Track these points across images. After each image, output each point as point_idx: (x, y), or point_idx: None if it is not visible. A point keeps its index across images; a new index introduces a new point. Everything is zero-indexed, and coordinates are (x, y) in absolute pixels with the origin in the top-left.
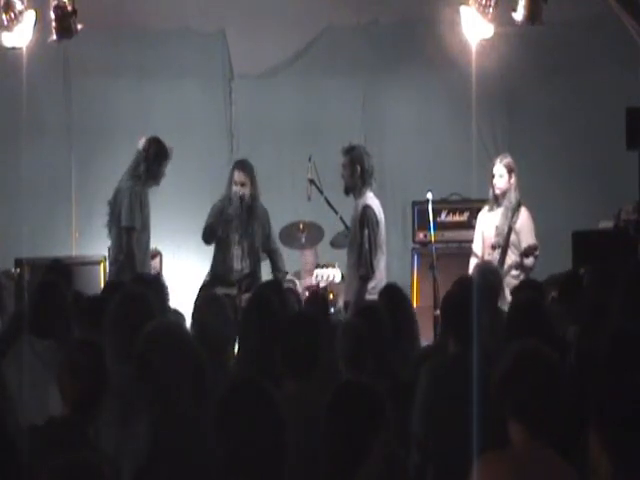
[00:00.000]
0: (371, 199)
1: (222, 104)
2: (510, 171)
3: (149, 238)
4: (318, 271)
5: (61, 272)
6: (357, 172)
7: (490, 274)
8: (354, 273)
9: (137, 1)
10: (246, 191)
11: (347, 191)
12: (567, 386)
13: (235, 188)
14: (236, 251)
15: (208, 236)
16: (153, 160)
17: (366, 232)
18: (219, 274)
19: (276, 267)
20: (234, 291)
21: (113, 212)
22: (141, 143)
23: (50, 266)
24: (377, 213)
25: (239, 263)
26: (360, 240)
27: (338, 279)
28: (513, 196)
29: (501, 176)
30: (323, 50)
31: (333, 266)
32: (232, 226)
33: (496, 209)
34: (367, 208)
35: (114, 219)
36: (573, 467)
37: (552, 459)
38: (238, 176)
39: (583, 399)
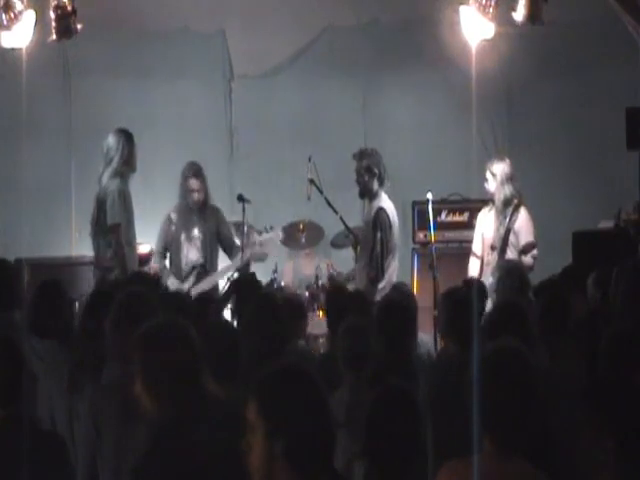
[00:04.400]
0: (384, 201)
1: (222, 104)
2: (492, 175)
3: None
4: (258, 237)
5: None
6: (375, 177)
7: (517, 276)
8: (365, 275)
9: (137, 1)
10: (201, 197)
11: (362, 195)
12: (539, 390)
13: (192, 195)
14: (188, 249)
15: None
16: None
17: (379, 235)
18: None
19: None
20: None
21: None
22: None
23: None
24: (390, 216)
25: (195, 255)
26: (372, 243)
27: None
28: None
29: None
30: (323, 50)
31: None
32: (185, 227)
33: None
34: (380, 211)
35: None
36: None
37: (521, 469)
38: (194, 184)
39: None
